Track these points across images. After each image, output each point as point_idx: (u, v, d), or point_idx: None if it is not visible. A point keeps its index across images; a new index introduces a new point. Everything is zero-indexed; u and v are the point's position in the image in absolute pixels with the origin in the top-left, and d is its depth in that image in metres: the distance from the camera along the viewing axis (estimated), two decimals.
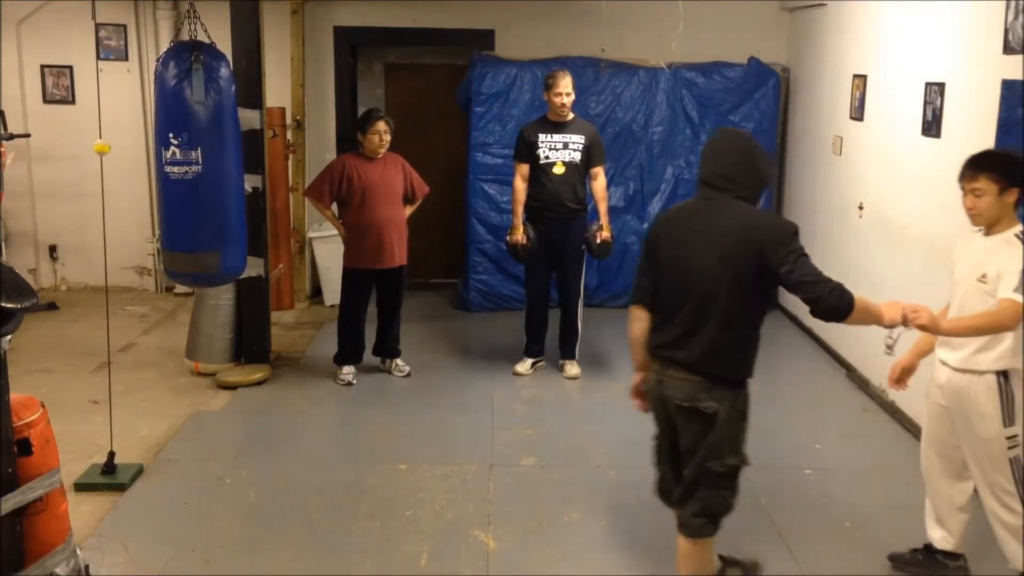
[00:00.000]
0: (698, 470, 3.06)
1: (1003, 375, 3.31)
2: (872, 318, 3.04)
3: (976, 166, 3.35)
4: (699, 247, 3.02)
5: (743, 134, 3.41)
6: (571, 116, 5.77)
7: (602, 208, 5.82)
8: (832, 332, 6.45)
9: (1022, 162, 3.33)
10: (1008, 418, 3.31)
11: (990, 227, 3.36)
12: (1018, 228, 3.31)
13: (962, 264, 3.45)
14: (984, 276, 3.29)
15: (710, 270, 2.99)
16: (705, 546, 3.16)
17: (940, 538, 3.68)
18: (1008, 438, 3.33)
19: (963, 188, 3.37)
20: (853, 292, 2.95)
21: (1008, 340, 3.28)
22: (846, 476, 4.65)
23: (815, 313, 2.96)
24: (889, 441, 5.07)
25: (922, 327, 3.15)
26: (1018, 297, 3.15)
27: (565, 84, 5.65)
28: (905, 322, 3.06)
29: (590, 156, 5.73)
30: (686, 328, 3.02)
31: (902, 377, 3.70)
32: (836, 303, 2.89)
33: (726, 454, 3.03)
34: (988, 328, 3.23)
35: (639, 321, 3.19)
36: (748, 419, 3.11)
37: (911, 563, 3.74)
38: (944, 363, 3.45)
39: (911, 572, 3.73)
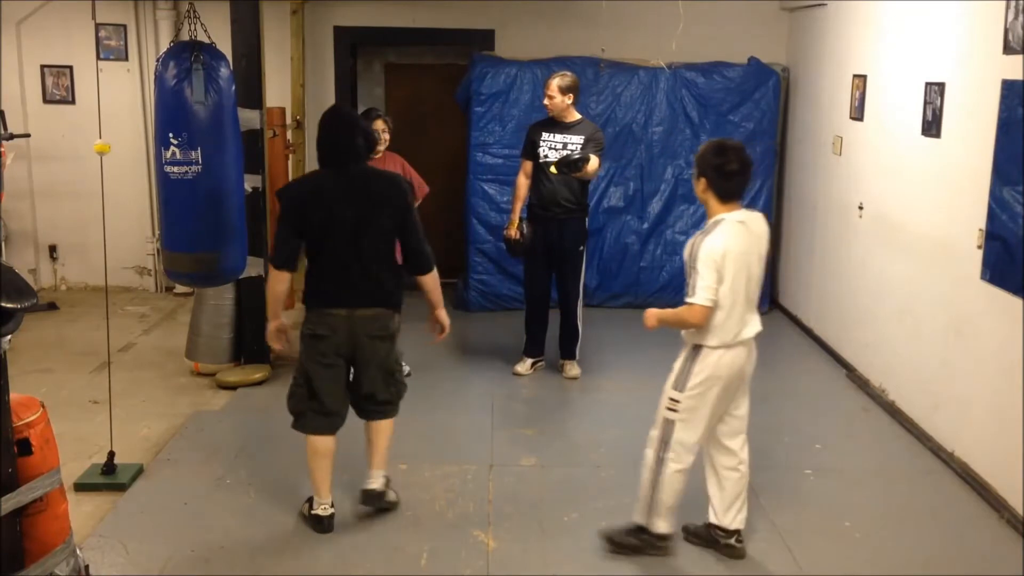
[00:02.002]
0: (383, 374, 3.97)
1: (695, 348, 3.60)
2: None
3: None
4: (363, 208, 3.78)
5: (349, 112, 4.14)
6: (576, 117, 5.74)
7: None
8: (832, 332, 6.45)
9: (708, 157, 3.62)
10: (677, 382, 3.61)
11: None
12: (715, 218, 3.59)
13: None
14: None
15: (373, 225, 3.79)
16: (392, 420, 4.12)
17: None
18: (671, 399, 3.63)
19: None
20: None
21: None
22: (846, 476, 4.65)
23: (414, 263, 3.95)
24: (889, 441, 5.08)
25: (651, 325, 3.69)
26: (691, 300, 3.50)
27: (551, 85, 5.65)
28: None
29: (586, 151, 5.69)
30: (367, 274, 3.82)
31: None
32: (431, 261, 3.96)
33: (397, 359, 4.08)
34: (677, 324, 3.61)
35: (284, 283, 3.90)
36: None
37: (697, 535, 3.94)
38: None
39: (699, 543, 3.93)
